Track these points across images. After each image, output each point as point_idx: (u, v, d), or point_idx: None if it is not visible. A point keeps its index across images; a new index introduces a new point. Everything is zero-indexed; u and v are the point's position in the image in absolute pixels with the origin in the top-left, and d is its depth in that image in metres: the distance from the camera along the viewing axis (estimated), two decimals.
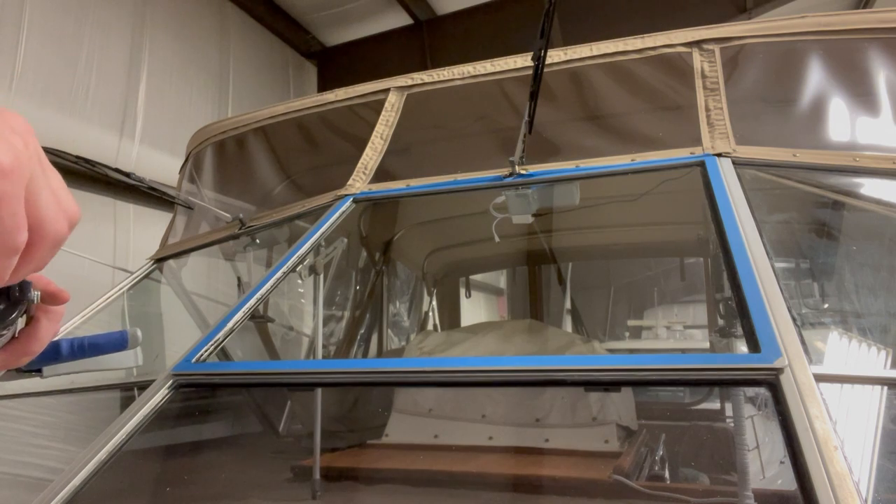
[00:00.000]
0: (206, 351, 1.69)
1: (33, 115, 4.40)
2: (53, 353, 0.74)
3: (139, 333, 0.76)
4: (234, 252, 2.98)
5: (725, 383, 2.10)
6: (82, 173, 4.34)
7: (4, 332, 0.57)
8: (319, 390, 2.30)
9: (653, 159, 2.01)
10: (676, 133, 2.20)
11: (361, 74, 5.74)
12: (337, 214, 2.18)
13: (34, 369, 0.74)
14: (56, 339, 0.73)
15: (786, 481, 2.27)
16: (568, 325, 5.45)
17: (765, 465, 2.47)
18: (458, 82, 2.51)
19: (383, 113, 2.53)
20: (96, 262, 3.89)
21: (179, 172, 3.29)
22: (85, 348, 0.75)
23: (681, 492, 1.87)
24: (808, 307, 2.74)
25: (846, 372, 1.46)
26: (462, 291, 4.78)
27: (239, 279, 3.02)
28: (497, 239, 2.20)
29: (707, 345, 4.46)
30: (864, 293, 2.26)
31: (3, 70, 4.28)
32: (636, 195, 2.85)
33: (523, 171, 2.09)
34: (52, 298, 0.61)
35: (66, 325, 2.42)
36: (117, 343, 0.76)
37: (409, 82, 2.59)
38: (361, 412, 3.15)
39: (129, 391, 2.73)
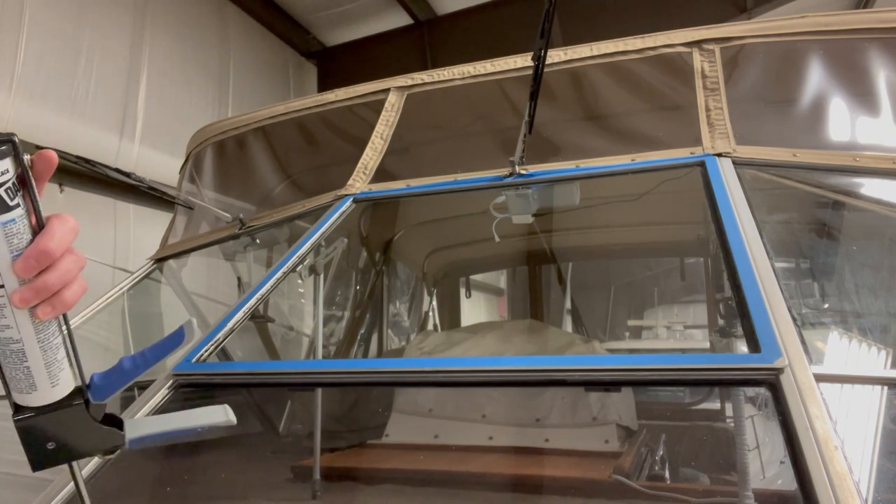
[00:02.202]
0: (206, 351, 1.69)
1: (33, 115, 4.40)
2: (118, 372, 0.72)
3: (194, 323, 0.74)
4: (234, 252, 2.98)
5: (726, 383, 2.10)
6: (82, 173, 4.35)
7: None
8: (319, 390, 2.30)
9: (653, 159, 2.01)
10: (676, 133, 2.20)
11: (361, 74, 5.74)
12: (337, 214, 2.18)
13: (106, 411, 0.70)
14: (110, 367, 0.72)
15: (786, 481, 2.27)
16: (568, 325, 5.44)
17: (765, 465, 2.46)
18: (459, 82, 2.51)
19: (383, 113, 2.53)
20: (96, 262, 3.89)
21: (179, 172, 3.29)
22: (147, 357, 0.72)
23: (681, 492, 1.87)
24: (809, 307, 2.74)
25: (846, 372, 1.46)
26: (462, 291, 4.77)
27: (239, 279, 3.02)
28: (497, 239, 2.20)
29: (707, 345, 4.46)
30: (865, 293, 2.26)
31: (3, 70, 4.27)
32: (636, 195, 2.85)
33: (523, 171, 2.09)
34: (40, 159, 0.61)
35: None
36: (176, 340, 0.74)
37: (410, 82, 2.59)
38: (361, 412, 3.15)
39: (129, 391, 2.73)
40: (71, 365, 0.68)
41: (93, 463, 1.41)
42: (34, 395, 0.65)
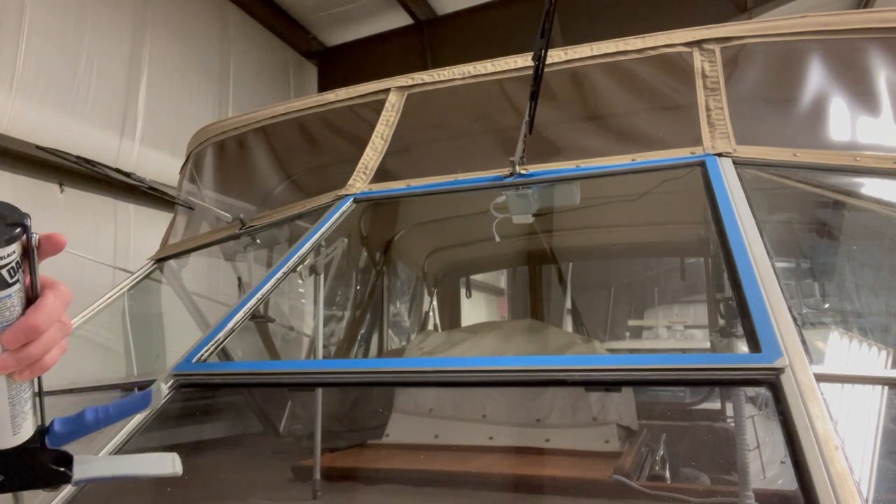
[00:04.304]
0: (206, 351, 1.69)
1: (33, 115, 4.40)
2: (78, 422, 0.73)
3: (163, 388, 0.75)
4: (234, 252, 2.98)
5: (726, 383, 2.10)
6: (82, 173, 4.35)
7: (9, 261, 0.57)
8: (320, 390, 2.30)
9: (653, 159, 2.00)
10: (677, 133, 2.20)
11: (361, 74, 5.74)
12: (337, 214, 2.18)
13: (58, 450, 0.71)
14: (78, 412, 0.73)
15: (786, 481, 2.27)
16: (568, 325, 5.45)
17: (765, 464, 2.46)
18: (459, 82, 2.51)
19: (384, 113, 2.52)
20: (97, 263, 3.89)
21: (180, 172, 3.29)
22: (110, 414, 0.74)
23: (681, 492, 1.87)
24: (809, 307, 2.74)
25: (847, 372, 1.46)
26: (462, 291, 4.77)
27: (239, 279, 3.02)
28: (497, 239, 2.20)
29: (708, 345, 4.46)
30: (865, 293, 2.26)
31: (3, 70, 4.27)
32: (636, 195, 2.85)
33: (524, 171, 2.09)
34: (48, 242, 0.62)
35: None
36: (142, 402, 0.75)
37: (410, 82, 2.59)
38: (362, 412, 3.15)
39: (130, 391, 2.73)
40: (34, 414, 0.69)
41: None
42: None
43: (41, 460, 0.70)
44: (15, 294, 0.59)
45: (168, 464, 0.77)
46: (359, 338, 3.84)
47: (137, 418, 1.52)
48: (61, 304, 0.64)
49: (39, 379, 0.68)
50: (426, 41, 7.28)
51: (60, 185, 4.55)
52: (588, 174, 2.05)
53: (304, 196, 2.56)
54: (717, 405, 3.52)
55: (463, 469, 2.10)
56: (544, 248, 3.97)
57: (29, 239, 0.60)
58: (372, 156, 2.41)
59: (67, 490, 1.34)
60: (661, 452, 2.49)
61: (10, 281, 0.58)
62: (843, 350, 2.00)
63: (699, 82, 2.13)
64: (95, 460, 0.75)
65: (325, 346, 3.58)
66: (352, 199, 2.25)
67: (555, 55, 2.36)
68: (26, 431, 0.68)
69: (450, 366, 1.58)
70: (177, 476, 0.76)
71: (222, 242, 2.75)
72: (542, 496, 1.93)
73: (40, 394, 0.69)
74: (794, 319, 1.26)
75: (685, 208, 3.17)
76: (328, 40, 7.73)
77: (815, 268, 2.75)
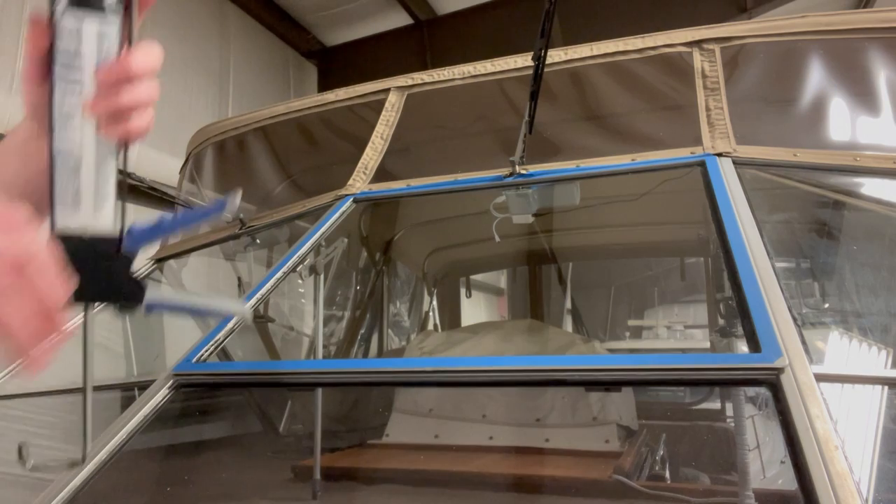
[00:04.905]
0: (206, 351, 1.69)
1: None
2: (156, 224, 0.71)
3: (238, 196, 0.75)
4: (234, 252, 2.98)
5: (726, 383, 2.10)
6: None
7: None
8: (320, 390, 2.30)
9: (653, 159, 2.00)
10: (677, 133, 2.20)
11: (361, 74, 5.74)
12: (337, 214, 2.18)
13: (132, 270, 0.69)
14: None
15: (786, 481, 2.27)
16: (568, 325, 5.45)
17: (765, 464, 2.47)
18: (459, 82, 2.51)
19: (383, 113, 2.52)
20: None
21: (180, 172, 3.29)
22: (188, 217, 0.74)
23: (681, 492, 1.87)
24: (809, 307, 2.74)
25: (847, 372, 1.46)
26: (462, 291, 4.78)
27: (239, 279, 3.02)
28: (497, 239, 2.20)
29: (707, 344, 4.46)
30: (865, 293, 2.26)
31: (3, 70, 4.27)
32: (636, 195, 2.85)
33: (524, 171, 2.09)
34: None
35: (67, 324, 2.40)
36: (218, 207, 0.75)
37: (410, 82, 2.58)
38: (362, 412, 3.15)
39: (130, 391, 2.73)
40: (115, 208, 0.67)
41: (93, 463, 1.41)
42: (77, 214, 0.65)
43: (117, 267, 0.67)
44: (116, 27, 0.60)
45: (238, 307, 0.78)
46: (359, 338, 3.84)
47: (137, 418, 1.52)
48: (153, 59, 0.64)
49: (125, 159, 0.68)
50: (426, 41, 7.28)
51: None
52: (588, 174, 2.05)
53: (304, 196, 2.56)
54: (717, 405, 3.52)
55: (463, 469, 2.10)
56: (544, 248, 3.97)
57: None
58: (372, 156, 2.41)
59: (68, 489, 1.34)
60: (661, 452, 2.49)
61: (115, 7, 0.59)
62: (843, 350, 2.00)
63: (699, 82, 2.13)
64: (167, 292, 0.75)
65: (325, 346, 3.58)
66: (352, 199, 2.25)
67: (555, 55, 2.35)
68: (107, 216, 0.66)
69: (450, 366, 1.57)
70: (244, 321, 0.76)
71: (222, 242, 2.75)
72: (541, 496, 1.93)
73: (124, 185, 0.67)
74: (794, 319, 1.26)
75: (685, 208, 3.18)
76: (328, 40, 7.73)
77: (815, 268, 2.75)
